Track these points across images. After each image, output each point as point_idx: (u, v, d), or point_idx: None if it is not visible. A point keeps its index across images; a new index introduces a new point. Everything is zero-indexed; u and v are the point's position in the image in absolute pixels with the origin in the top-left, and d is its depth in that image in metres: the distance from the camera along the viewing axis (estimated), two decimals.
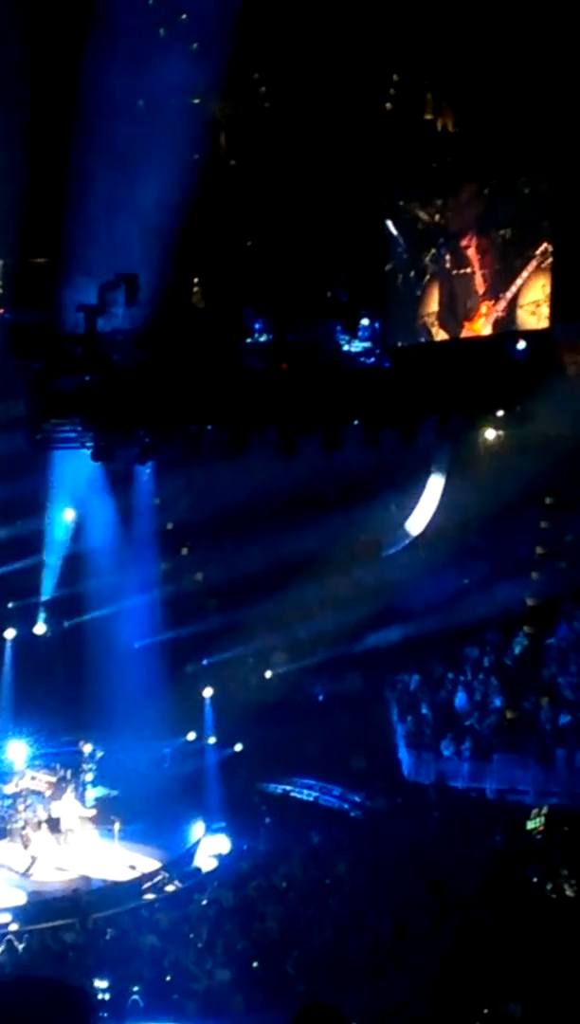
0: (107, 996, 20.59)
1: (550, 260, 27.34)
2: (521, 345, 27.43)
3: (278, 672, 32.51)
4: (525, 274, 27.20)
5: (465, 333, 26.87)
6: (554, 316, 27.31)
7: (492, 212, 27.22)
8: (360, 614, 32.02)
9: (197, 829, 27.98)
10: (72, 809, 26.75)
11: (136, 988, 20.78)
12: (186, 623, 31.77)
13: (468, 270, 26.91)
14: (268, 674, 32.42)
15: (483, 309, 27.08)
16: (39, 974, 20.67)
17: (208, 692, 30.81)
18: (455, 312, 26.76)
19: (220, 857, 27.39)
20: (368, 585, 32.37)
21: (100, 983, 20.69)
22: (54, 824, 26.35)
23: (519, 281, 27.20)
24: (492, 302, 27.10)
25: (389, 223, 26.18)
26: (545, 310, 27.28)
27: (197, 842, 27.65)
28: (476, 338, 26.98)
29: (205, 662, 31.85)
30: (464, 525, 31.53)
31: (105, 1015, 19.45)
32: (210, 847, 27.69)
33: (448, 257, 26.56)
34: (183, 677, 31.61)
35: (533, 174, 27.73)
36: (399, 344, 26.35)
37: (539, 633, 31.99)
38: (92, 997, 17.84)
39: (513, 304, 27.18)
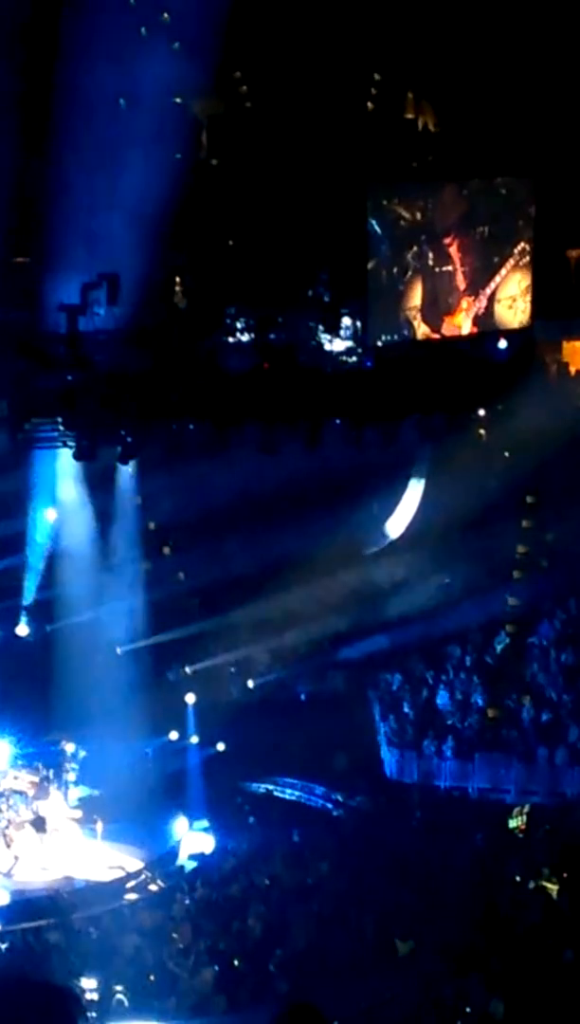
0: (95, 996, 20.55)
1: (527, 258, 27.51)
2: (502, 344, 27.53)
3: (261, 680, 32.41)
4: (504, 271, 27.37)
5: (446, 327, 26.99)
6: (534, 315, 27.41)
7: (473, 211, 27.36)
8: (343, 615, 31.99)
9: (180, 828, 27.97)
10: (58, 809, 26.72)
11: (119, 987, 20.74)
12: (169, 626, 31.67)
13: (449, 267, 27.04)
14: (250, 683, 32.33)
15: (464, 304, 27.20)
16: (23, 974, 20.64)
17: (190, 698, 30.75)
18: (437, 307, 26.86)
19: (203, 856, 27.37)
20: (350, 586, 32.33)
21: (86, 982, 20.63)
22: (38, 824, 26.31)
23: (498, 278, 27.37)
24: (472, 298, 27.24)
25: (373, 221, 26.26)
26: (522, 304, 27.43)
27: (180, 841, 27.65)
28: (457, 337, 27.08)
29: (188, 670, 31.74)
30: (446, 525, 31.51)
31: (92, 1015, 19.42)
32: (193, 846, 27.68)
33: (430, 255, 26.67)
34: (166, 682, 31.53)
35: (512, 174, 27.90)
36: (382, 338, 26.43)
37: (521, 632, 32.01)
38: (81, 1000, 17.80)
39: (492, 300, 27.34)
